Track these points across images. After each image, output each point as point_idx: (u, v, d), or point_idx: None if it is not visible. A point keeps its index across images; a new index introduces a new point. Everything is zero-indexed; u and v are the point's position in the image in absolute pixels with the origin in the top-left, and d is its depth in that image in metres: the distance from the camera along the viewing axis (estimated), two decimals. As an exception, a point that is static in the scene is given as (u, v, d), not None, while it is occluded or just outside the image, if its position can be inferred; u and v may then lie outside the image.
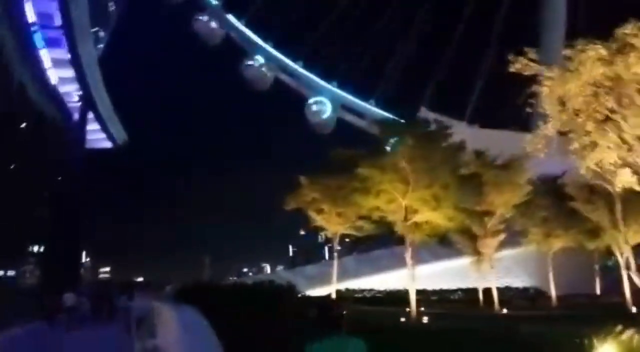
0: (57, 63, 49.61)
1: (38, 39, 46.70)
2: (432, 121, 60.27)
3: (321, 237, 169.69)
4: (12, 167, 42.19)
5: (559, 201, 41.18)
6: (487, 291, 43.29)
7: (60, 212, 47.63)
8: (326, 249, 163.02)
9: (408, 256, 32.13)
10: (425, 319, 31.26)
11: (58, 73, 50.24)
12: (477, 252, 42.27)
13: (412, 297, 31.89)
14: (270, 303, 20.45)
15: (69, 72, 50.98)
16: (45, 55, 48.22)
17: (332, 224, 38.43)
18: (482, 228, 38.88)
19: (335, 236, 39.21)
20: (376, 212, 32.91)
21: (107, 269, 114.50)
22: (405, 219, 31.64)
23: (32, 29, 45.80)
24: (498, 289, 48.24)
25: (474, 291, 47.33)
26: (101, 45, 58.24)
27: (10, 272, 48.02)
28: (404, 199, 31.06)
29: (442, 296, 51.92)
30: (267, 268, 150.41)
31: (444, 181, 29.72)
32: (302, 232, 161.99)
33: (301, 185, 38.55)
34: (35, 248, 47.14)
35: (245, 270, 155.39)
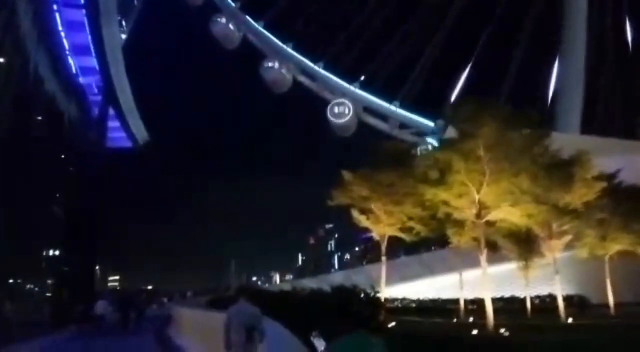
0: (76, 49, 43.79)
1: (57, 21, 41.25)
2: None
3: (330, 246, 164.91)
4: (24, 165, 36.91)
5: (615, 201, 36.75)
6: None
7: (76, 216, 42.44)
8: (335, 258, 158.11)
9: (483, 258, 27.05)
10: (503, 331, 26.23)
11: (77, 61, 44.48)
12: (525, 257, 37.46)
13: (489, 307, 26.63)
14: (362, 307, 16.25)
15: (89, 61, 45.43)
16: (64, 41, 42.46)
17: (380, 225, 33.35)
18: (547, 228, 33.75)
19: (383, 239, 34.02)
20: (443, 208, 27.73)
21: (117, 277, 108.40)
22: (479, 216, 26.48)
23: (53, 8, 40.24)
24: (538, 297, 43.63)
25: (514, 300, 42.79)
26: (124, 36, 52.70)
27: (30, 284, 42.67)
28: (478, 193, 25.93)
29: (481, 305, 46.87)
30: (276, 277, 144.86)
31: (531, 171, 24.65)
32: (312, 242, 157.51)
33: (345, 181, 33.68)
34: (50, 252, 41.97)
35: (254, 278, 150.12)
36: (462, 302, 39.03)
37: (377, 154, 33.89)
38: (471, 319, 36.70)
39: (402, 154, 32.90)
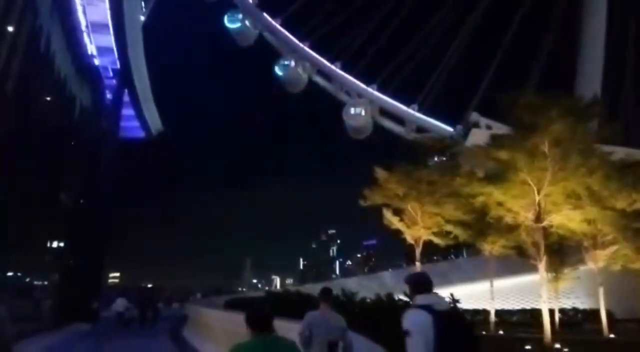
0: (93, 26, 39.49)
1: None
2: (485, 127, 52.53)
3: (332, 252, 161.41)
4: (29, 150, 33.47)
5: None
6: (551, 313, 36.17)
7: (85, 206, 39.08)
8: (337, 263, 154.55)
9: (542, 266, 24.03)
10: (559, 346, 23.19)
11: (93, 39, 39.96)
12: (555, 269, 34.51)
13: (546, 320, 23.64)
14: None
15: (104, 40, 40.57)
16: (80, 14, 37.97)
17: (416, 228, 30.24)
18: (591, 238, 30.72)
19: (418, 243, 30.85)
20: (496, 211, 24.64)
21: (117, 274, 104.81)
22: (538, 219, 23.36)
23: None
24: (562, 311, 40.77)
25: (537, 313, 39.91)
26: (142, 18, 48.58)
27: (29, 278, 39.11)
28: (539, 194, 22.86)
29: (502, 317, 43.71)
30: (277, 281, 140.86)
31: (604, 170, 21.57)
32: (313, 246, 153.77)
33: (380, 179, 30.61)
34: (54, 244, 38.40)
35: (254, 281, 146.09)
36: (492, 314, 35.97)
37: (417, 149, 30.96)
38: (501, 332, 34.06)
39: (444, 151, 29.91)
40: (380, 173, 30.95)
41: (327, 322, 7.45)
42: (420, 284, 4.46)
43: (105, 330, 27.84)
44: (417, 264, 31.33)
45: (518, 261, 34.58)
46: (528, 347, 23.06)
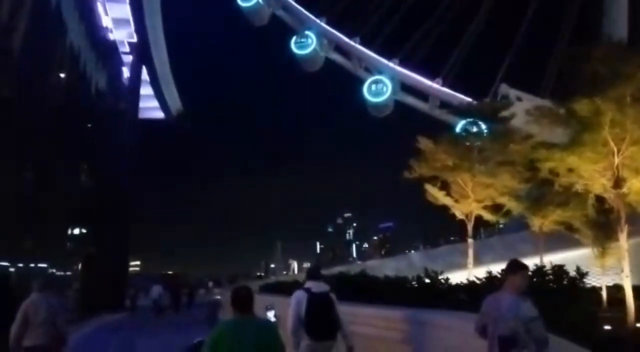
0: None
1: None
2: (515, 98, 49.43)
3: (349, 235, 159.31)
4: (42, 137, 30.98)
5: None
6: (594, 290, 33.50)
7: (106, 189, 36.67)
8: (354, 246, 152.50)
9: (623, 237, 21.21)
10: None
11: (108, 9, 36.45)
12: (602, 244, 31.76)
13: (629, 297, 20.93)
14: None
15: (120, 10, 36.87)
16: None
17: (467, 202, 27.51)
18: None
19: (469, 218, 28.09)
20: (567, 178, 21.96)
21: (137, 262, 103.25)
22: (617, 185, 20.58)
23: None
24: (608, 288, 38.34)
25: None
26: None
27: (53, 269, 36.85)
28: (618, 155, 20.13)
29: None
30: (295, 265, 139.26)
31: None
32: (330, 230, 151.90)
33: (426, 150, 27.86)
34: (76, 231, 36.09)
35: (272, 266, 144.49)
36: (629, 291, 33.31)
37: (460, 116, 28.27)
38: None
39: (496, 114, 27.28)
40: (424, 143, 28.22)
41: (497, 308, 5.21)
42: (311, 273, 7.44)
43: (139, 319, 26.29)
44: (470, 240, 28.65)
45: (555, 237, 31.93)
46: (608, 327, 20.25)
